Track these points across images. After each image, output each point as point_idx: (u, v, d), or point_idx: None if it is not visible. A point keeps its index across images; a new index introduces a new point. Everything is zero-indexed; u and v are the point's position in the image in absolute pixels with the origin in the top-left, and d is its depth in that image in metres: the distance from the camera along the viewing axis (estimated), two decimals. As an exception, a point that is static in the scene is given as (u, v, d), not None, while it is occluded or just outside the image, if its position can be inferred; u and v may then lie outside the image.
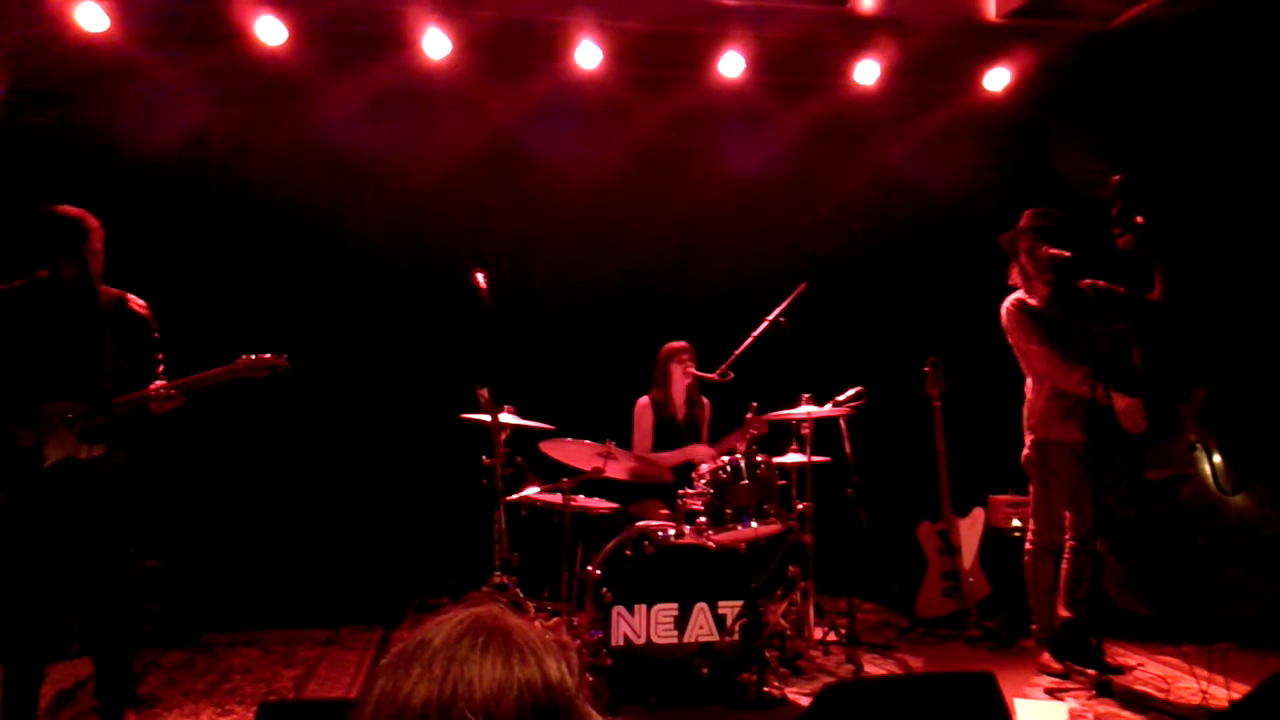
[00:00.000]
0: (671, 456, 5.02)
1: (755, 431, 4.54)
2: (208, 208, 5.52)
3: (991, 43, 6.01)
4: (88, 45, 5.17)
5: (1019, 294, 4.50)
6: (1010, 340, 4.52)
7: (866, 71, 6.01)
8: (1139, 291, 4.28)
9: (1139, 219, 4.08)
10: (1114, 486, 4.71)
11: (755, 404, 4.55)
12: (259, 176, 5.59)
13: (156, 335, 3.71)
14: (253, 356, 3.64)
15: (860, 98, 6.16)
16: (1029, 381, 4.53)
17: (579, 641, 4.03)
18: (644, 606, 3.95)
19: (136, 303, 3.69)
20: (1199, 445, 4.83)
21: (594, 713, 1.02)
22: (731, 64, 5.87)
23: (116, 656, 3.62)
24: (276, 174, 5.61)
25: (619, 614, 3.92)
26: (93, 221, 3.56)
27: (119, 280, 3.71)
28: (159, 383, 3.54)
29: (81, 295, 3.48)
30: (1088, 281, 4.44)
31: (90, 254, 3.51)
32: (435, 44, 5.49)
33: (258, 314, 5.50)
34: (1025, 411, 4.54)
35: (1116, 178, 4.15)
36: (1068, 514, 4.39)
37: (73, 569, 3.46)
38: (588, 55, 5.66)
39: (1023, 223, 4.48)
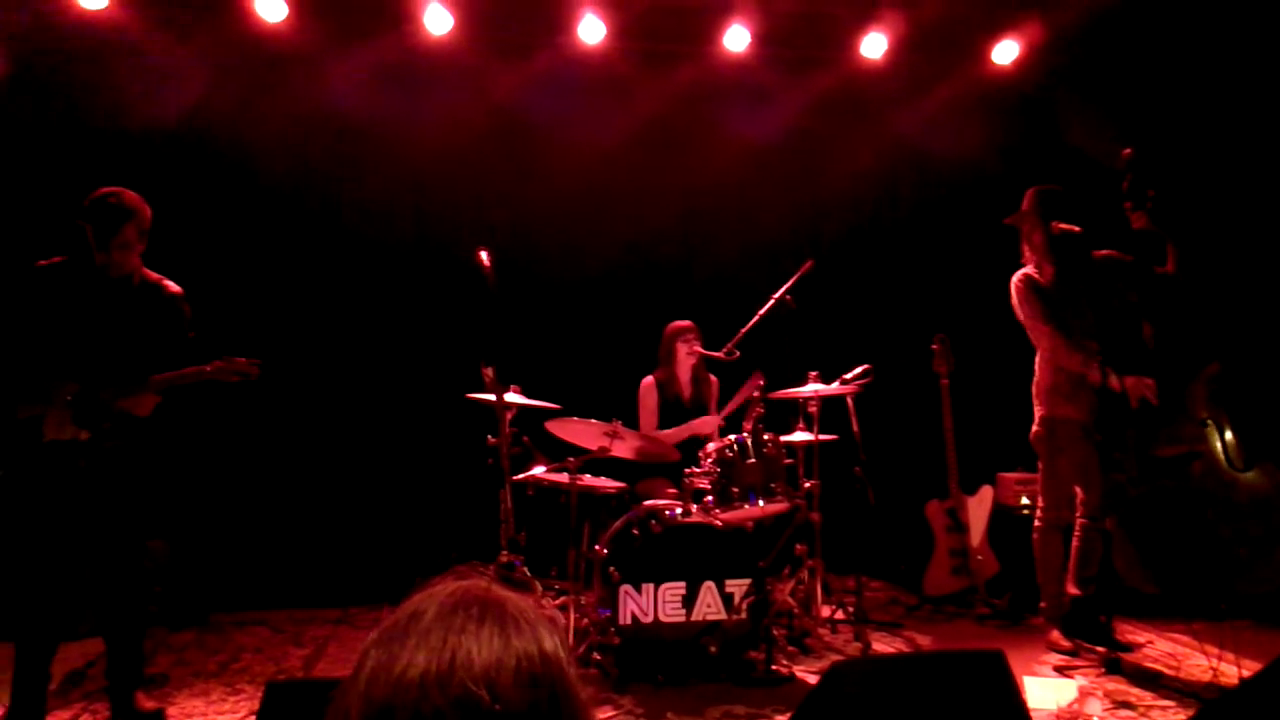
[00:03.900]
0: (677, 433, 5.00)
1: (756, 394, 4.50)
2: (209, 183, 5.48)
3: (1000, 15, 5.94)
4: (87, 22, 5.15)
5: (1028, 269, 4.46)
6: (1019, 316, 4.48)
7: (874, 45, 5.95)
8: (1150, 265, 4.24)
9: (1150, 192, 4.03)
10: (1124, 464, 4.69)
11: (761, 382, 4.52)
12: (260, 152, 5.55)
13: (189, 322, 3.68)
14: (224, 361, 3.59)
15: (867, 71, 6.10)
16: (1039, 357, 4.50)
17: (586, 620, 4.03)
18: (651, 585, 3.94)
19: (171, 288, 3.68)
20: (1210, 422, 4.80)
21: (583, 683, 1.01)
22: (737, 38, 5.81)
23: (126, 637, 3.63)
24: (278, 150, 5.57)
25: (626, 593, 3.92)
26: (143, 207, 3.56)
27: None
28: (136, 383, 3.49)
29: (114, 279, 3.50)
30: (1102, 253, 4.39)
31: (131, 237, 3.50)
32: (436, 19, 5.44)
33: (260, 291, 5.49)
34: (1034, 388, 4.51)
35: (1127, 151, 4.10)
36: (1078, 491, 4.36)
37: (77, 549, 3.47)
38: (591, 30, 5.60)
39: (1025, 204, 4.43)
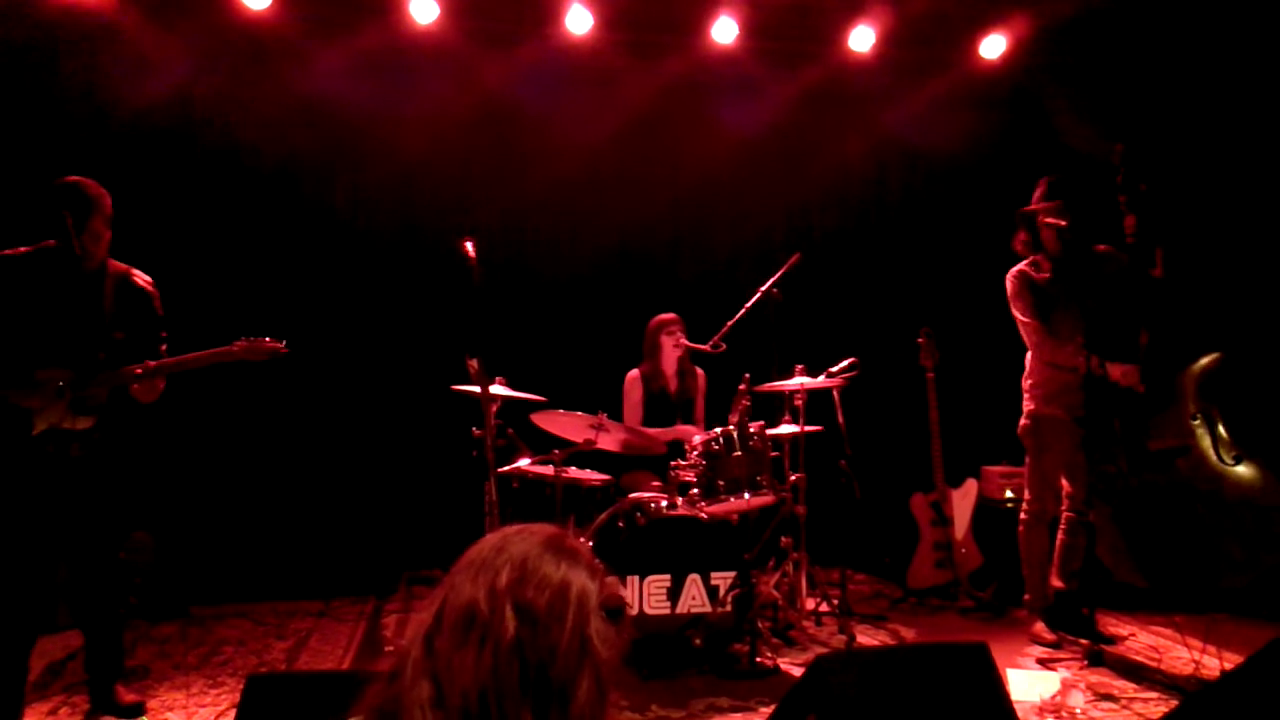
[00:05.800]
0: (662, 433, 4.98)
1: (742, 387, 4.49)
2: (193, 172, 5.43)
3: (987, 9, 5.94)
4: (69, 7, 5.07)
5: (1024, 265, 4.46)
6: (1011, 310, 4.49)
7: (861, 38, 5.95)
8: (1143, 268, 4.25)
9: (1142, 186, 4.05)
10: (1116, 455, 4.72)
11: (748, 375, 4.52)
12: (245, 142, 5.50)
13: (161, 313, 3.69)
14: (248, 340, 3.60)
15: (855, 65, 6.10)
16: (1030, 353, 4.51)
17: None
18: (636, 578, 3.93)
19: (142, 278, 3.67)
20: (1200, 416, 4.82)
21: (606, 641, 1.17)
22: (725, 30, 5.79)
23: (106, 629, 3.61)
24: (263, 139, 5.52)
25: (611, 585, 3.90)
26: (105, 196, 3.55)
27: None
28: (150, 362, 3.50)
29: (86, 267, 3.47)
30: (1104, 248, 4.40)
31: (100, 227, 3.49)
32: (422, 8, 5.40)
33: (244, 282, 5.43)
34: (1024, 383, 4.52)
35: (1119, 146, 4.12)
36: (1064, 485, 4.38)
37: (59, 540, 3.43)
38: (578, 20, 5.57)
39: (1036, 198, 4.42)
